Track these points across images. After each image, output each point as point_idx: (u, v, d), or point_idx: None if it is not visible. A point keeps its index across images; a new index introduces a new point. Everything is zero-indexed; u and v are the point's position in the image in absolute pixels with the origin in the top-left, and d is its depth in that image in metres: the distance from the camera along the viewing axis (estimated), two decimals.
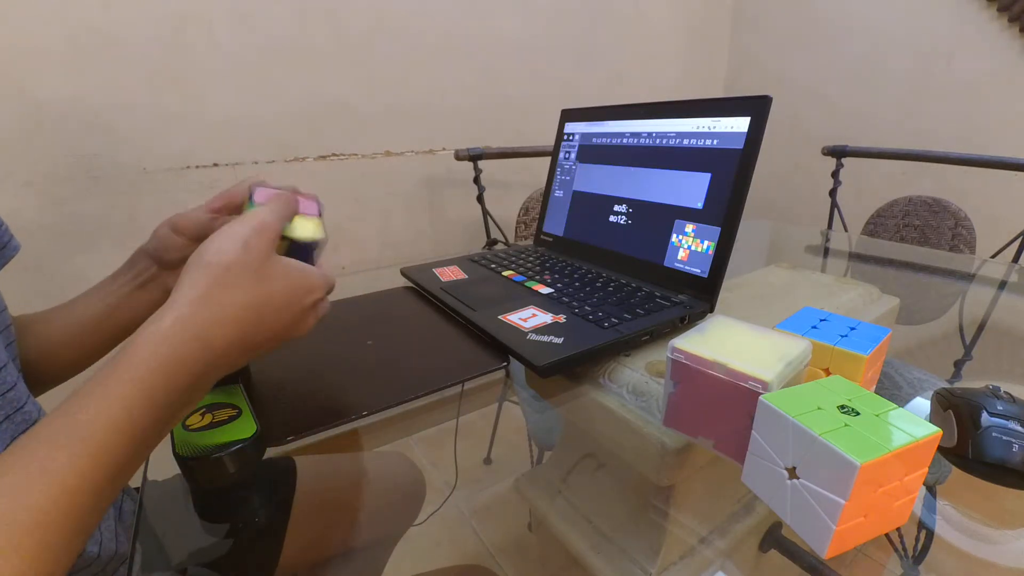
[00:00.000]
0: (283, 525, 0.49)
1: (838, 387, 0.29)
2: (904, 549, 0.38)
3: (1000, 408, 0.35)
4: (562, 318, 0.48)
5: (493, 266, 0.65)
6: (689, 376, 0.33)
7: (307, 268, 0.33)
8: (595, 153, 0.68)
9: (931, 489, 0.39)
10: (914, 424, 0.25)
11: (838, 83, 1.80)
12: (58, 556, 0.22)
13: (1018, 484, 0.33)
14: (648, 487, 0.45)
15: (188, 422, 0.33)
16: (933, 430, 0.25)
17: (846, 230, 1.46)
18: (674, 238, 0.55)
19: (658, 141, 0.59)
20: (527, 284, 0.58)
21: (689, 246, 0.53)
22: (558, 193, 0.73)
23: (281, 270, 0.31)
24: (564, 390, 0.46)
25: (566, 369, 0.42)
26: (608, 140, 0.66)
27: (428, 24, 1.38)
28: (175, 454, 0.30)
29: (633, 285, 0.55)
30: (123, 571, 0.41)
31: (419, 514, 0.61)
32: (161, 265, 0.46)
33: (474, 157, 1.34)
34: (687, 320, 0.48)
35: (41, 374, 0.45)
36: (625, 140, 0.63)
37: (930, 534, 0.38)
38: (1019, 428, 0.34)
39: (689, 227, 0.53)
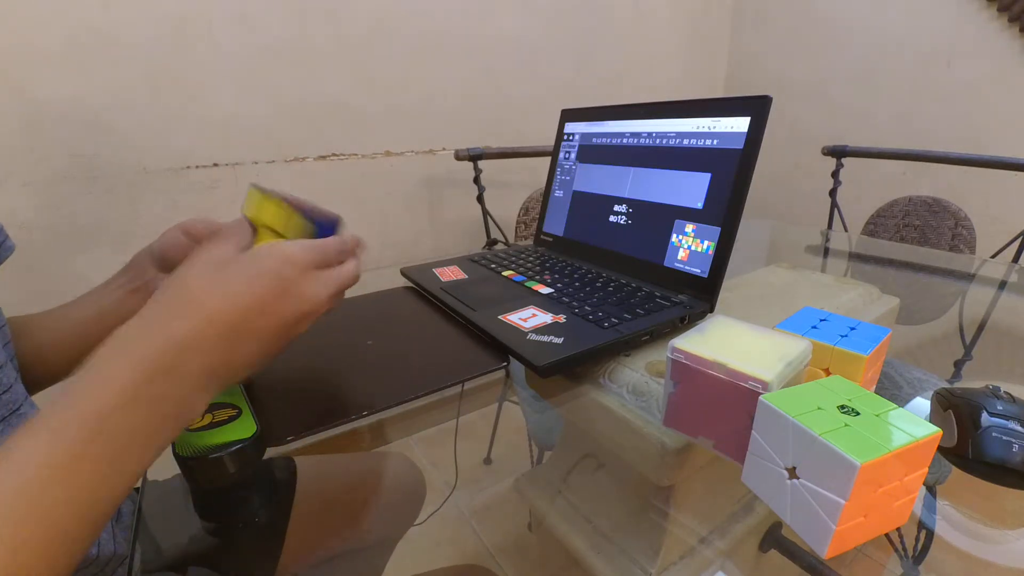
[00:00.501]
0: (283, 525, 0.49)
1: (838, 387, 0.29)
2: (904, 549, 0.38)
3: (1000, 408, 0.35)
4: (562, 318, 0.48)
5: (493, 266, 0.65)
6: (689, 376, 0.33)
7: (264, 247, 0.31)
8: (595, 153, 0.68)
9: (931, 489, 0.39)
10: (914, 424, 0.25)
11: (838, 83, 1.80)
12: (32, 547, 0.22)
13: (1018, 484, 0.33)
14: (648, 487, 0.45)
15: None
16: (933, 430, 0.25)
17: (846, 230, 1.46)
18: (674, 238, 0.55)
19: (658, 141, 0.59)
20: (527, 284, 0.58)
21: (689, 246, 0.53)
22: (558, 193, 0.73)
23: (239, 259, 0.30)
24: (564, 390, 0.46)
25: (566, 369, 0.42)
26: (608, 140, 0.66)
27: (428, 24, 1.38)
28: (175, 454, 0.30)
29: (633, 285, 0.55)
30: (122, 571, 0.41)
31: (419, 514, 0.61)
32: (162, 266, 0.46)
33: (474, 157, 1.34)
34: (687, 320, 0.48)
35: (35, 376, 0.46)
36: (625, 140, 0.63)
37: (930, 534, 0.38)
38: (1019, 428, 0.34)
39: (689, 227, 0.53)
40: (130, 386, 0.25)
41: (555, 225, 0.72)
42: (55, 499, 0.22)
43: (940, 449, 0.36)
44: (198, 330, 0.27)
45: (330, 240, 0.34)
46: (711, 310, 0.50)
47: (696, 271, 0.52)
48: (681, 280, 0.53)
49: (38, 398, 0.44)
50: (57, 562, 0.23)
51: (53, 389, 0.47)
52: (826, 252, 1.10)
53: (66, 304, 0.49)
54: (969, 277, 0.94)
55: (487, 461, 0.60)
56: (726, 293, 0.55)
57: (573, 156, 0.71)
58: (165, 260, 0.46)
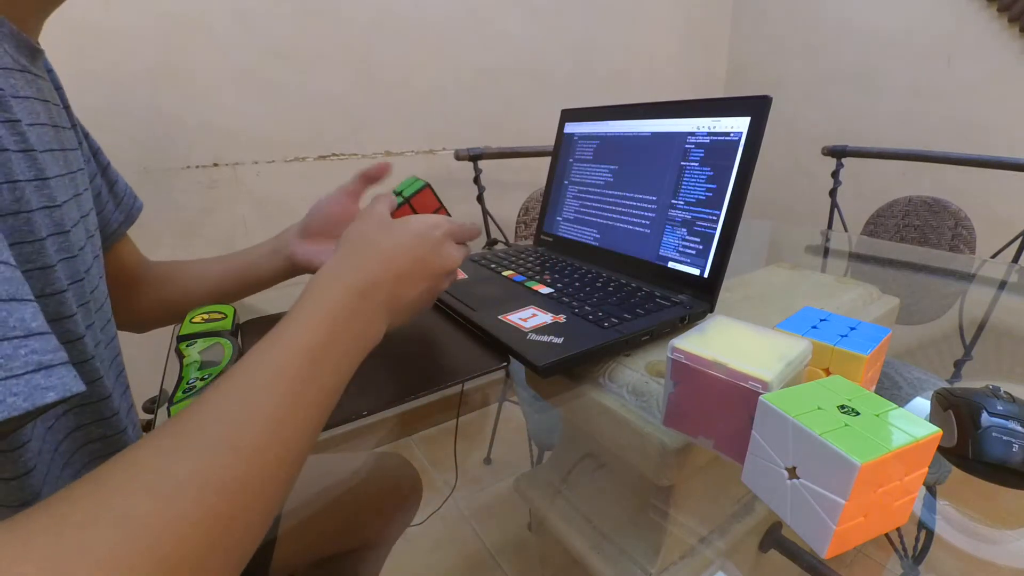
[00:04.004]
0: (275, 525, 0.49)
1: (838, 387, 0.29)
2: (904, 549, 0.38)
3: (1000, 408, 0.35)
4: (562, 318, 0.48)
5: (493, 266, 0.65)
6: (689, 376, 0.33)
7: (421, 215, 0.41)
8: (595, 153, 0.68)
9: (931, 489, 0.39)
10: (914, 424, 0.25)
11: (838, 83, 1.80)
12: (269, 457, 0.25)
13: (1018, 484, 0.33)
14: (648, 487, 0.45)
15: None
16: (933, 430, 0.25)
17: (846, 230, 1.46)
18: (674, 238, 0.55)
19: (658, 141, 0.59)
20: (527, 284, 0.58)
21: (689, 246, 0.53)
22: (558, 193, 0.73)
23: (400, 222, 0.39)
24: (564, 390, 0.46)
25: (566, 369, 0.42)
26: (608, 140, 0.66)
27: (428, 23, 1.38)
28: None
29: (633, 285, 0.55)
30: None
31: (417, 514, 0.61)
32: (304, 234, 0.57)
33: (474, 157, 1.34)
34: (687, 320, 0.48)
35: (156, 317, 0.57)
36: (625, 140, 0.63)
37: (930, 534, 0.38)
38: (1019, 428, 0.34)
39: (689, 227, 0.53)
40: (339, 320, 0.31)
41: (555, 225, 0.72)
42: (286, 418, 0.26)
43: (940, 449, 0.36)
44: (380, 272, 0.35)
45: (466, 223, 0.43)
46: (711, 310, 0.50)
47: (696, 271, 0.52)
48: (681, 280, 0.53)
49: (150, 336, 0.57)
50: (289, 474, 0.26)
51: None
52: (826, 252, 1.10)
53: (211, 258, 0.59)
54: (969, 277, 0.94)
55: (487, 461, 0.60)
56: (726, 293, 0.55)
57: (573, 156, 0.71)
58: (308, 229, 0.57)
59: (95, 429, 0.39)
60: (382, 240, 0.37)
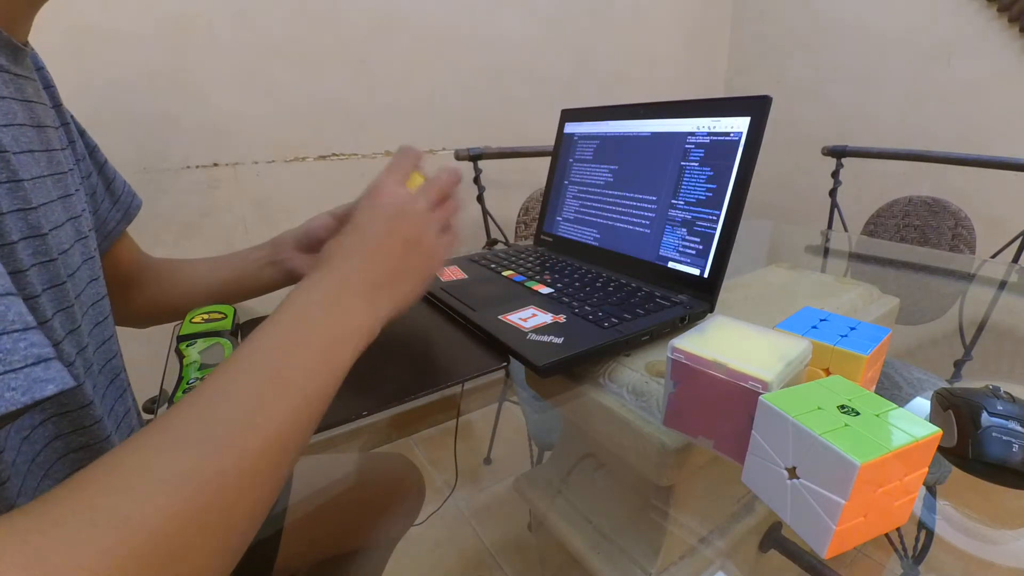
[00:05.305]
0: (279, 526, 0.49)
1: (838, 387, 0.29)
2: (904, 549, 0.38)
3: (1000, 408, 0.35)
4: (562, 318, 0.48)
5: (493, 266, 0.65)
6: (689, 376, 0.33)
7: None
8: (595, 153, 0.68)
9: (931, 489, 0.39)
10: (914, 424, 0.25)
11: (838, 83, 1.80)
12: (275, 437, 0.26)
13: (1018, 484, 0.33)
14: (648, 487, 0.45)
15: None
16: (933, 430, 0.25)
17: (846, 230, 1.46)
18: (674, 238, 0.55)
19: (658, 141, 0.59)
20: (527, 284, 0.58)
21: (689, 246, 0.53)
22: (558, 193, 0.73)
23: (376, 202, 0.39)
24: (564, 390, 0.46)
25: (566, 369, 0.42)
26: (608, 140, 0.66)
27: (428, 24, 1.38)
28: None
29: (633, 285, 0.55)
30: None
31: (419, 514, 0.61)
32: (304, 245, 0.55)
33: (474, 157, 1.34)
34: (687, 320, 0.48)
35: (155, 314, 0.57)
36: (625, 140, 0.63)
37: (930, 534, 0.38)
38: (1019, 428, 0.34)
39: (689, 227, 0.53)
40: (312, 307, 0.32)
41: (555, 225, 0.72)
42: (257, 408, 0.26)
43: (940, 449, 0.36)
44: (357, 262, 0.36)
45: (440, 176, 0.42)
46: (711, 310, 0.50)
47: (696, 271, 0.52)
48: (681, 280, 0.53)
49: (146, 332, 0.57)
50: (274, 468, 0.26)
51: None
52: (826, 252, 1.10)
53: (211, 259, 0.59)
54: (969, 277, 0.94)
55: (487, 461, 0.60)
56: (726, 293, 0.55)
57: (573, 156, 0.71)
58: (311, 238, 0.54)
59: (76, 438, 0.38)
60: (370, 224, 0.37)
